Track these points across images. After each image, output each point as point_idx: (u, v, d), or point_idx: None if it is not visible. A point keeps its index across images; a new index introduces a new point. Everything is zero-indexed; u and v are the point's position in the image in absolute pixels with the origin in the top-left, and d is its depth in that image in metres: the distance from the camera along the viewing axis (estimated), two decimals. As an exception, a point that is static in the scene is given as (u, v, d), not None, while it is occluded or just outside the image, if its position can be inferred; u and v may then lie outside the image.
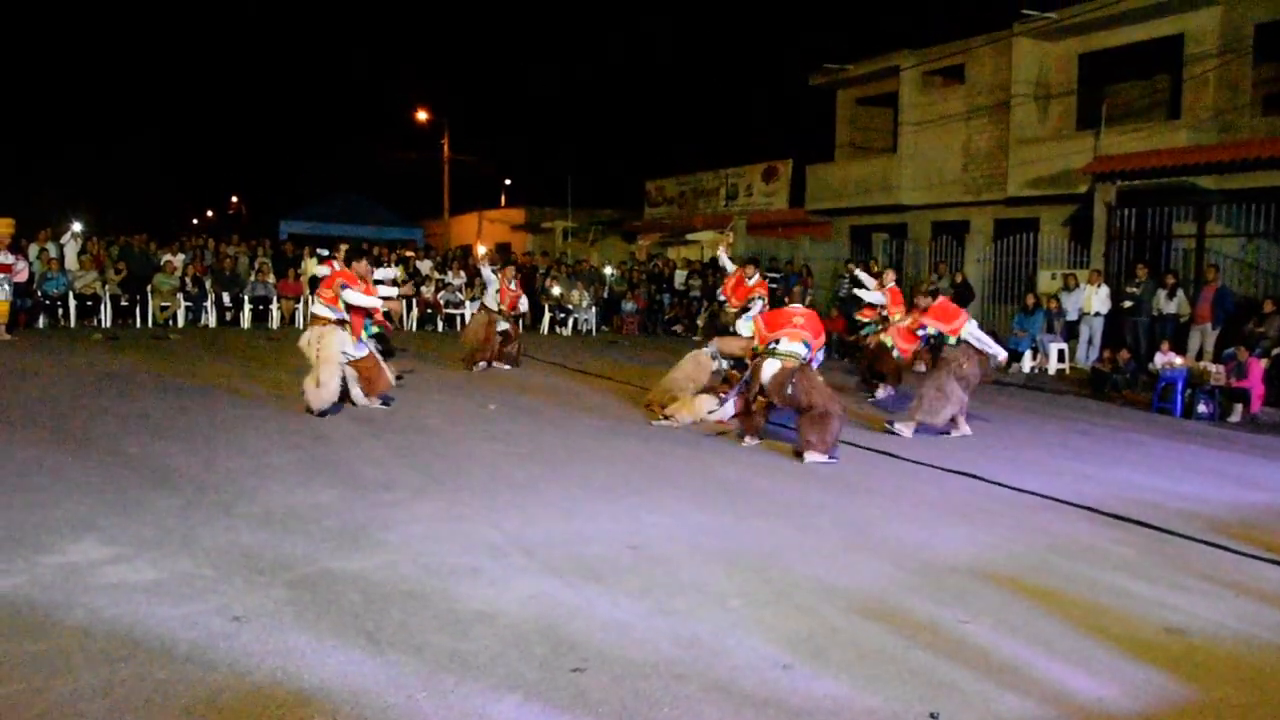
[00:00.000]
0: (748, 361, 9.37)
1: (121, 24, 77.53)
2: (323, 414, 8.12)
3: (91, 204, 35.57)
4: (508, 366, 12.66)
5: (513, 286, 12.86)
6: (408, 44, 75.90)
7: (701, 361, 9.41)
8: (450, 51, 72.04)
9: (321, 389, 8.09)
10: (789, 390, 7.54)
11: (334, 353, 8.19)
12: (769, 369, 7.76)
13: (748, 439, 8.10)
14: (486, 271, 13.25)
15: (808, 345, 7.84)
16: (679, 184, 30.11)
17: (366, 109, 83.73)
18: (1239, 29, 16.24)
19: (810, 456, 7.38)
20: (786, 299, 8.57)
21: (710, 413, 8.78)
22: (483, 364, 12.63)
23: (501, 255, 23.35)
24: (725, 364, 9.46)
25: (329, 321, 8.33)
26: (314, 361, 8.21)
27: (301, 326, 17.66)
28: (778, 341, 7.82)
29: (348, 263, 8.89)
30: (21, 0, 66.33)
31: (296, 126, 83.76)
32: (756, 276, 12.85)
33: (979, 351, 8.94)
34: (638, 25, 63.36)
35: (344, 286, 8.43)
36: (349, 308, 8.46)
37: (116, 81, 79.29)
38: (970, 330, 8.92)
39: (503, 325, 12.86)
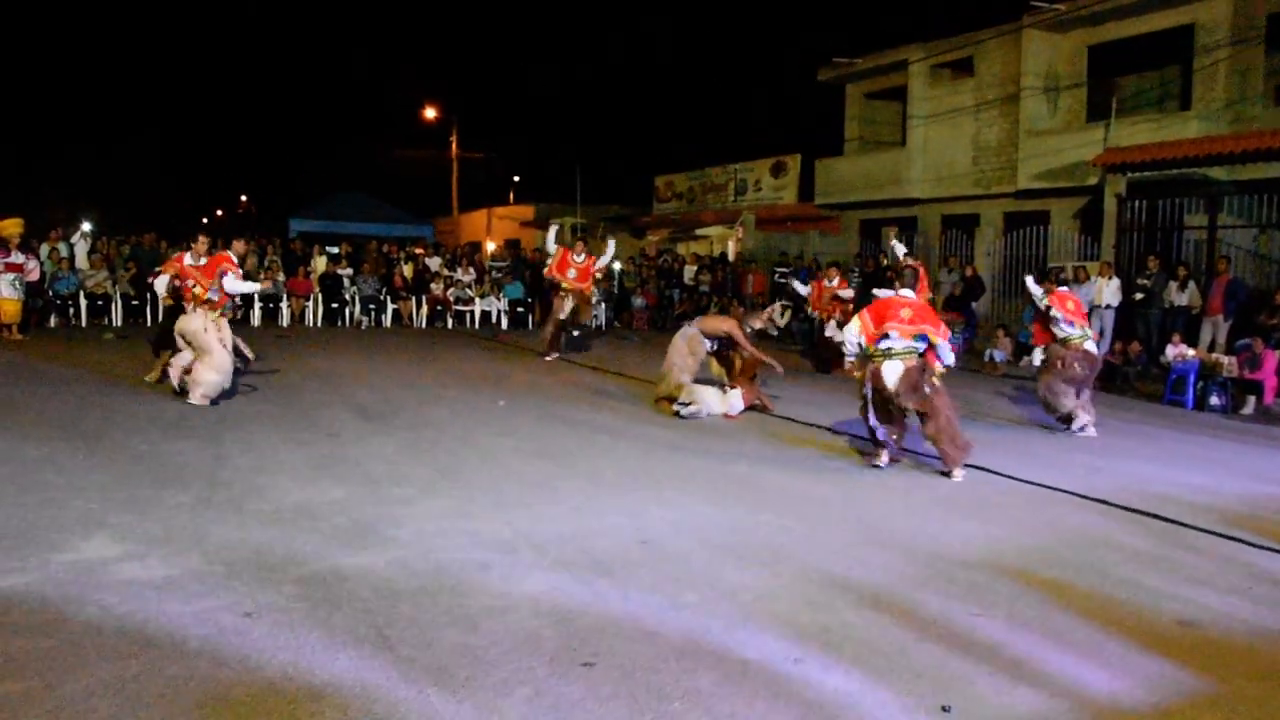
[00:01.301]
0: (738, 340, 9.26)
1: (122, 23, 77.71)
2: (213, 402, 8.25)
3: (94, 204, 35.76)
4: (576, 332, 13.12)
5: (579, 259, 12.85)
6: (413, 42, 75.99)
7: (691, 336, 9.35)
8: (456, 49, 72.17)
9: (221, 374, 8.29)
10: (926, 390, 6.67)
11: (228, 342, 8.40)
12: (891, 372, 6.76)
13: (884, 457, 7.04)
14: (550, 244, 13.24)
15: (923, 339, 6.80)
16: (688, 179, 30.05)
17: (372, 107, 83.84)
18: (1250, 18, 16.14)
19: (958, 474, 6.68)
20: (897, 283, 7.39)
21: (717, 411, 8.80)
22: (552, 354, 12.85)
23: (512, 252, 23.35)
24: (710, 344, 9.38)
25: (214, 306, 8.48)
26: (206, 346, 8.26)
27: (312, 324, 17.78)
28: (887, 336, 6.78)
29: (227, 244, 8.99)
30: (22, 0, 66.58)
31: (300, 125, 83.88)
32: (837, 279, 13.01)
33: (1087, 351, 8.86)
34: (645, 21, 63.28)
35: (224, 273, 8.55)
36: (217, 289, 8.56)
37: (117, 81, 79.50)
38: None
39: (568, 307, 12.92)
